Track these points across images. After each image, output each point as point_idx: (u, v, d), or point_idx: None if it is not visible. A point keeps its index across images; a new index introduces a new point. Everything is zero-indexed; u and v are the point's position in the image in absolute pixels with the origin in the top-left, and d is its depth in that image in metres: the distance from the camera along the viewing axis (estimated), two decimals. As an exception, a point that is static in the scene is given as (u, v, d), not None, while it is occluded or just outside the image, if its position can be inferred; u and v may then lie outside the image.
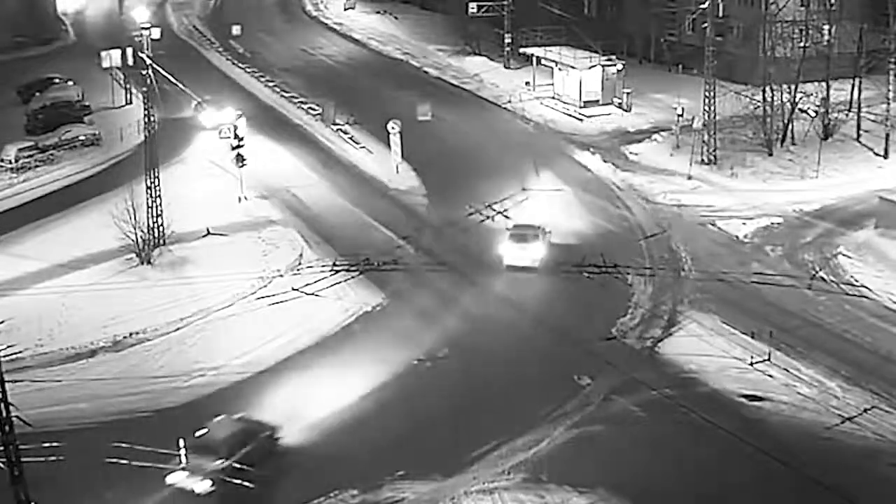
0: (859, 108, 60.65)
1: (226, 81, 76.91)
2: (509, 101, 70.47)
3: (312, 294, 40.99)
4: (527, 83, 72.98)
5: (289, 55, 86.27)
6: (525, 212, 49.38)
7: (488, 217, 49.04)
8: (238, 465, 28.66)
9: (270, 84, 75.11)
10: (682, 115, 58.17)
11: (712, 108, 56.01)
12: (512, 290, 41.52)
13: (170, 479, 28.78)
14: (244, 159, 50.38)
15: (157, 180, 45.35)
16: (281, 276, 42.53)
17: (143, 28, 45.76)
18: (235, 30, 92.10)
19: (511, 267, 43.01)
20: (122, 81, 68.76)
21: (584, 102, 67.41)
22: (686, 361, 35.67)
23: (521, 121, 66.38)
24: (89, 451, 30.11)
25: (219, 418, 30.46)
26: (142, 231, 43.60)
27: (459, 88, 75.35)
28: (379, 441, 31.28)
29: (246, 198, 50.57)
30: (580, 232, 47.30)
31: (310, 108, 68.36)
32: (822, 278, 42.13)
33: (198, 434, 29.60)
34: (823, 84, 59.92)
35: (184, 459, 29.19)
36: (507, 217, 48.84)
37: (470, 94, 73.74)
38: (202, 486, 28.53)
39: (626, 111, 66.71)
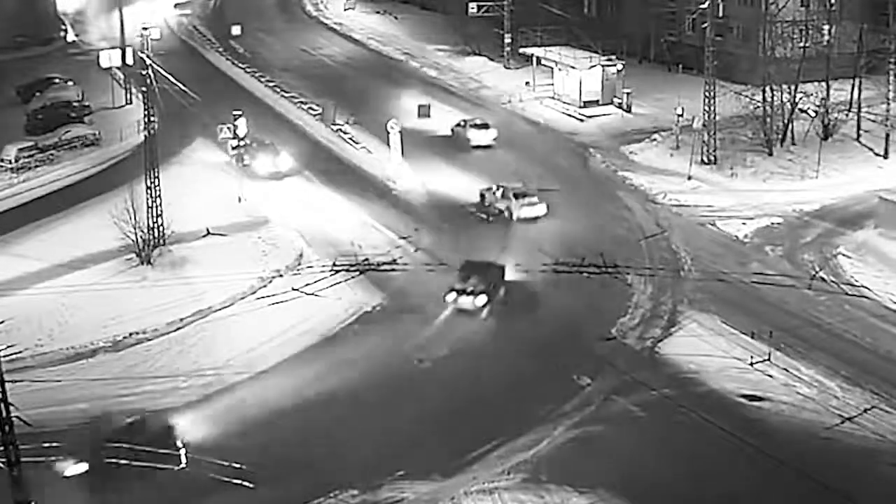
0: (859, 108, 60.61)
1: (230, 84, 76.96)
2: (509, 102, 70.48)
3: (312, 294, 41.01)
4: (527, 83, 72.98)
5: (289, 55, 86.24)
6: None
7: (488, 217, 49.10)
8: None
9: (270, 84, 75.10)
10: (682, 115, 58.15)
11: (712, 108, 56.00)
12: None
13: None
14: (244, 159, 50.43)
15: (157, 180, 45.35)
16: (281, 276, 42.53)
17: (143, 28, 45.83)
18: (235, 30, 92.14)
19: (476, 146, 59.72)
20: (122, 81, 68.74)
21: (584, 102, 67.39)
22: (686, 361, 35.68)
23: (522, 121, 66.48)
24: (89, 451, 30.10)
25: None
26: (142, 231, 43.60)
27: (459, 88, 75.27)
28: (379, 441, 31.34)
29: (246, 198, 50.58)
30: (579, 231, 47.29)
31: (310, 108, 68.35)
32: (822, 278, 42.13)
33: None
34: (823, 84, 59.90)
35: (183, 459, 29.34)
36: (509, 218, 48.96)
37: (470, 94, 73.67)
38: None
39: (626, 111, 66.68)
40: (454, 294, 39.12)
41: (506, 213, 48.49)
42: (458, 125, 62.49)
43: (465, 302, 39.03)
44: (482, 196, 50.05)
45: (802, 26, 64.30)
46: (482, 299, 38.93)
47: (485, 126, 61.69)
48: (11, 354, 33.32)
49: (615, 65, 68.28)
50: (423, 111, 65.12)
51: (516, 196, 48.81)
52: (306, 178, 54.75)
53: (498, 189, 49.61)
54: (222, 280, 40.94)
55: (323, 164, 57.05)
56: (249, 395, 34.04)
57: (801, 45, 62.61)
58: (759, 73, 60.29)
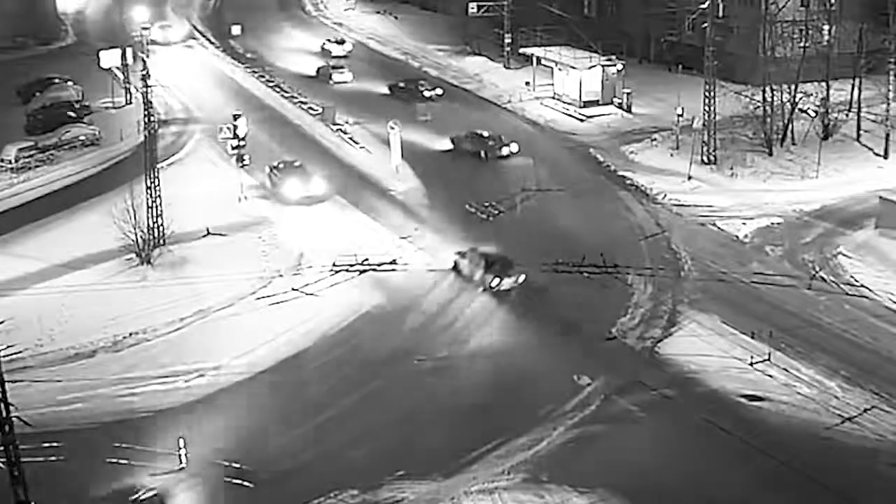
0: (859, 108, 60.61)
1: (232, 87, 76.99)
2: (509, 101, 70.52)
3: (312, 294, 41.02)
4: (527, 83, 73.01)
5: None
6: (526, 212, 49.60)
7: (488, 217, 49.11)
8: None
9: (270, 84, 75.12)
10: (682, 115, 58.15)
11: (712, 108, 56.01)
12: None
13: None
14: (244, 159, 50.41)
15: (157, 180, 45.38)
16: (281, 276, 42.54)
17: (143, 28, 45.85)
18: (235, 30, 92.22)
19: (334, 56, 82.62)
20: (122, 81, 68.78)
21: (584, 102, 67.43)
22: (686, 361, 35.68)
23: (521, 121, 66.51)
24: (89, 451, 30.16)
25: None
26: (142, 231, 43.61)
27: (459, 88, 75.34)
28: (379, 440, 31.35)
29: (246, 198, 50.59)
30: (579, 231, 47.30)
31: (310, 108, 68.35)
32: (822, 278, 42.13)
33: None
34: (823, 84, 59.90)
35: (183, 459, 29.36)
36: (508, 219, 48.97)
37: (470, 95, 73.73)
38: None
39: (626, 111, 66.70)
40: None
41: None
42: (323, 43, 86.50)
43: None
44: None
45: (802, 26, 64.30)
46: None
47: (341, 42, 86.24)
48: (11, 354, 33.26)
49: (615, 65, 68.28)
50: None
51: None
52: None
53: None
54: (222, 280, 40.96)
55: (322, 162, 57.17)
56: (249, 395, 34.08)
57: (801, 45, 62.61)
58: (759, 73, 60.31)
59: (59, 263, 42.96)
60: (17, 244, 45.84)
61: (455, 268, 42.72)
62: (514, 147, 58.30)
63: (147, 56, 44.91)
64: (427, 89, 70.65)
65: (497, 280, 40.70)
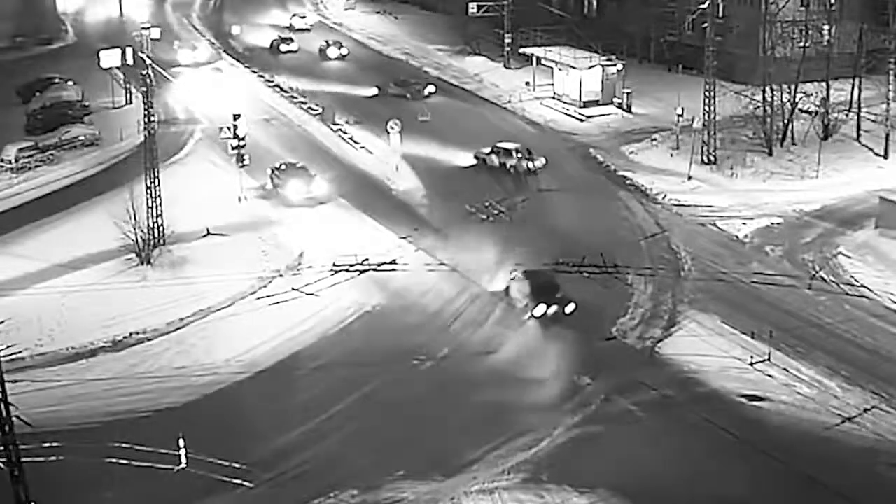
0: (859, 108, 60.61)
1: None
2: (509, 101, 70.51)
3: (312, 294, 41.02)
4: (527, 83, 73.02)
5: (288, 54, 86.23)
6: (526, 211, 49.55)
7: (488, 217, 49.10)
8: None
9: (270, 84, 75.11)
10: (682, 115, 58.14)
11: (712, 108, 56.00)
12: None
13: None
14: (244, 159, 50.40)
15: (157, 180, 45.37)
16: (281, 276, 42.54)
17: (142, 28, 45.88)
18: (235, 30, 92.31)
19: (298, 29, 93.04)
20: (122, 81, 68.77)
21: (584, 102, 67.44)
22: (686, 361, 35.68)
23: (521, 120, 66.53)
24: (89, 451, 30.16)
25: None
26: (142, 231, 43.60)
27: (459, 88, 75.36)
28: (379, 440, 31.35)
29: (246, 198, 50.58)
30: (580, 231, 47.30)
31: (310, 107, 68.34)
32: (822, 278, 42.12)
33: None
34: (823, 84, 59.90)
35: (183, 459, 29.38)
36: (508, 218, 48.98)
37: (470, 94, 73.75)
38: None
39: (626, 111, 66.70)
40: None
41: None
42: (291, 17, 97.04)
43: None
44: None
45: (802, 26, 64.29)
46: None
47: (304, 17, 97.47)
48: (11, 354, 33.30)
49: (615, 65, 68.33)
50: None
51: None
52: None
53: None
54: (222, 280, 40.95)
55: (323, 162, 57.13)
56: (249, 395, 34.09)
57: (801, 45, 62.62)
58: (759, 73, 60.31)
59: (59, 263, 42.94)
60: (17, 244, 45.82)
61: (492, 159, 55.47)
62: (432, 88, 72.66)
63: (152, 59, 44.67)
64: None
65: (532, 164, 54.53)
